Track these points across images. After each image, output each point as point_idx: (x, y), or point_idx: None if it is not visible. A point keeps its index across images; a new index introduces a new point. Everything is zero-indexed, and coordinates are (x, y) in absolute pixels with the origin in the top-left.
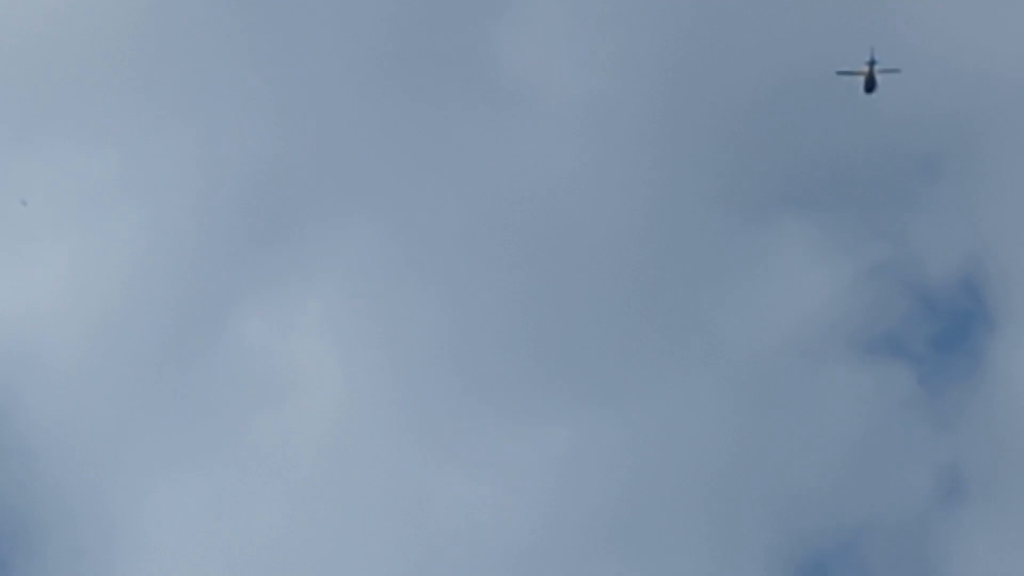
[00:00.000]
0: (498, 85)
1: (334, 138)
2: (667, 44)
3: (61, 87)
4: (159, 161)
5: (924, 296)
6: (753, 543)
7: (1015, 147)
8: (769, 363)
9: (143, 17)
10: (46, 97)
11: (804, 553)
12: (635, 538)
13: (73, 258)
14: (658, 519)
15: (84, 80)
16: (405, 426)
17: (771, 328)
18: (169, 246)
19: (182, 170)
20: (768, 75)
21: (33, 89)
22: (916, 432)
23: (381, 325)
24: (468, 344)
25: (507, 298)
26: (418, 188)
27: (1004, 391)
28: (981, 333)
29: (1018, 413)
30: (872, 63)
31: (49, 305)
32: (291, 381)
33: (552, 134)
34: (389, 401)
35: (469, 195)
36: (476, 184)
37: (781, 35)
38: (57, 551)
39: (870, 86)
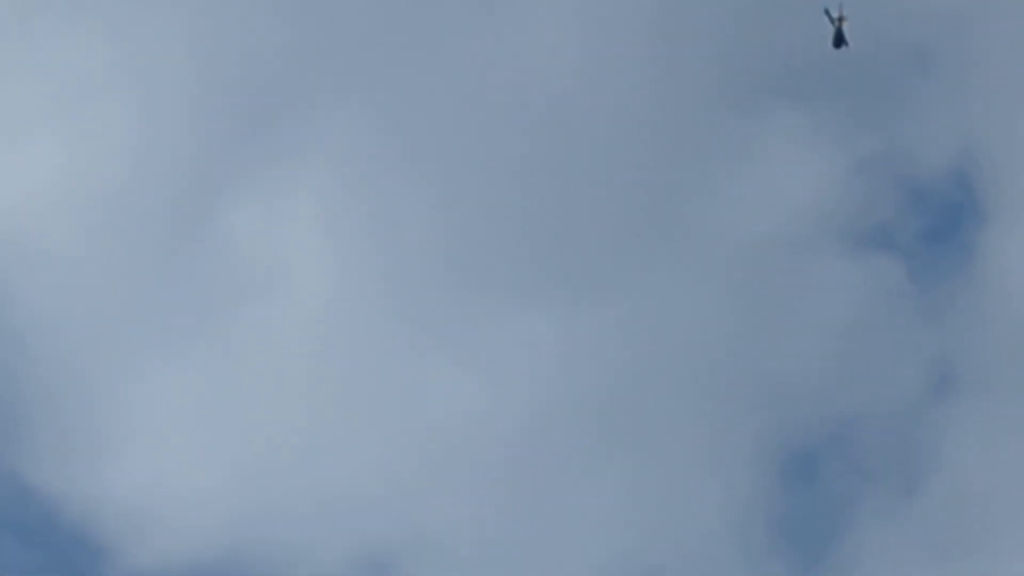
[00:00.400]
0: None
1: (329, 25)
2: None
3: None
4: (152, 47)
5: (915, 189)
6: (743, 433)
7: (1008, 39)
8: (759, 255)
9: None
10: None
11: (794, 444)
12: (625, 428)
13: (64, 145)
14: (648, 409)
15: None
16: (396, 315)
17: (761, 220)
18: (161, 133)
19: (174, 55)
20: None
21: None
22: (906, 324)
23: (373, 215)
24: (460, 234)
25: (499, 189)
26: (413, 77)
27: (994, 283)
28: (972, 226)
29: (1008, 305)
30: (839, 19)
31: (37, 193)
32: (282, 270)
33: (545, 25)
34: (380, 290)
35: (463, 85)
36: (471, 75)
37: None
38: (45, 437)
39: (839, 41)
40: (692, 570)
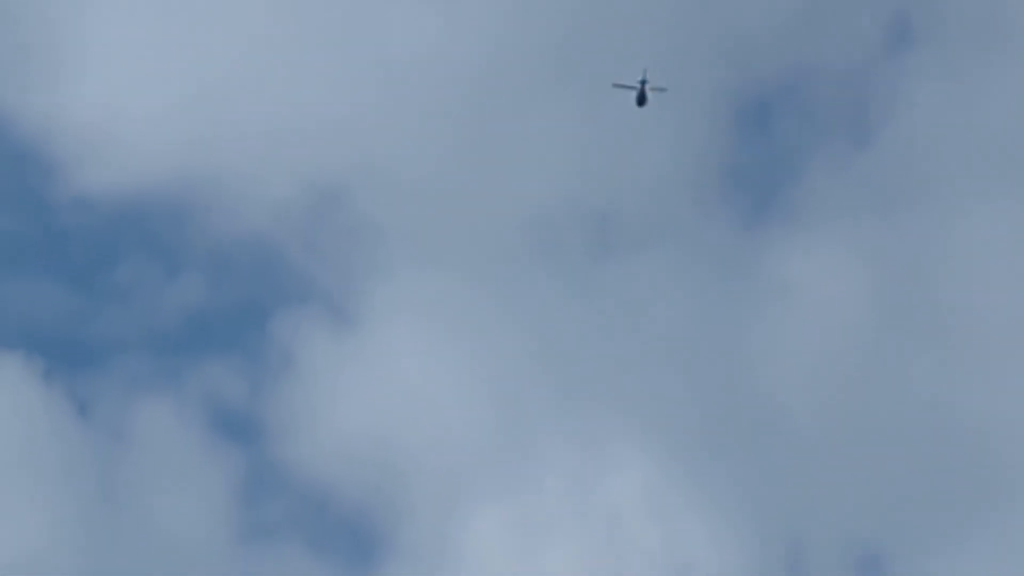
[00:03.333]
0: None
1: None
2: None
3: None
4: None
5: None
6: (698, 81)
7: None
8: None
9: None
10: None
11: (749, 93)
12: (579, 71)
13: None
14: (603, 56)
15: None
16: None
17: None
18: None
19: None
20: None
21: None
22: None
23: None
24: None
25: None
26: None
27: None
28: None
29: None
30: (643, 82)
31: None
32: None
33: None
34: None
35: None
36: None
37: None
38: (1, 52)
39: (641, 100)
40: (644, 213)
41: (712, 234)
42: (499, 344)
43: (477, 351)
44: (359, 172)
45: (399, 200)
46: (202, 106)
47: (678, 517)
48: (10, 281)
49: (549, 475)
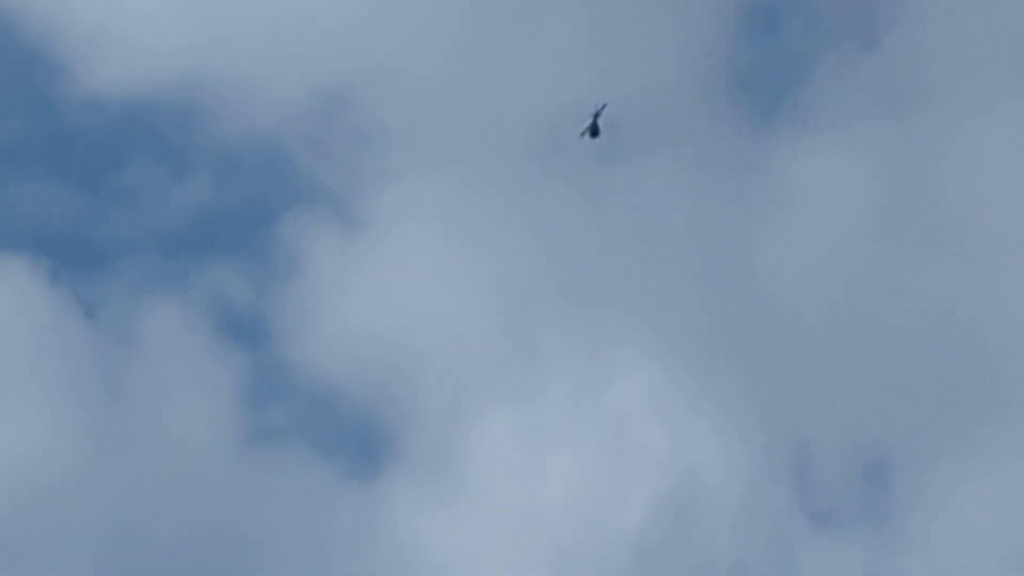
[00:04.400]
0: None
1: None
2: None
3: None
4: None
5: None
6: None
7: None
8: None
9: None
10: None
11: None
12: None
13: None
14: None
15: None
16: None
17: None
18: None
19: None
20: None
21: None
22: None
23: None
24: None
25: None
26: None
27: None
28: None
29: None
30: (596, 114)
31: None
32: None
33: None
34: None
35: None
36: None
37: None
38: None
39: (595, 132)
40: (651, 116)
41: (719, 137)
42: (506, 248)
43: (484, 255)
44: (367, 75)
45: (407, 103)
46: (211, 6)
47: (685, 422)
48: (16, 183)
49: (555, 379)
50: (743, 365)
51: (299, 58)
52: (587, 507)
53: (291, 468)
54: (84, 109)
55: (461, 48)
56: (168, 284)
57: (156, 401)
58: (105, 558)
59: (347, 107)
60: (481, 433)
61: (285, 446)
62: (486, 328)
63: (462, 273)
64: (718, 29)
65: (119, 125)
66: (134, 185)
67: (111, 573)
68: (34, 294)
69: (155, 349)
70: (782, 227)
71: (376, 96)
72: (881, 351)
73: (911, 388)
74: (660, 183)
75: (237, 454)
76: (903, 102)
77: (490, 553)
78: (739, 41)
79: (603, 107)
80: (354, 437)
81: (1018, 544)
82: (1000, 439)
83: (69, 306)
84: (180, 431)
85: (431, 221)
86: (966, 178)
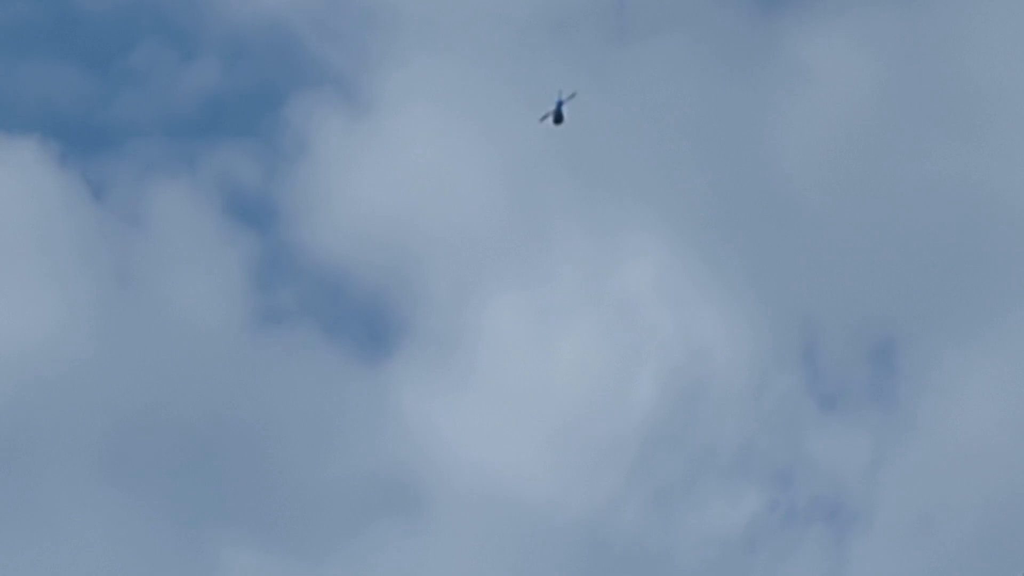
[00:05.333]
0: None
1: None
2: None
3: None
4: None
5: None
6: None
7: None
8: None
9: None
10: None
11: None
12: None
13: None
14: None
15: None
16: None
17: None
18: None
19: None
20: None
21: None
22: None
23: None
24: None
25: None
26: None
27: None
28: None
29: None
30: (560, 102)
31: None
32: None
33: None
34: None
35: None
36: None
37: None
38: None
39: (558, 118)
40: None
41: (728, 19)
42: (514, 130)
43: (492, 137)
44: None
45: None
46: None
47: (692, 303)
48: (25, 65)
49: (564, 261)
50: (752, 247)
51: None
52: (595, 388)
53: (299, 350)
54: None
55: None
56: (176, 166)
57: (164, 282)
58: (113, 439)
59: None
60: (489, 314)
61: (293, 328)
62: (494, 209)
63: (470, 154)
64: None
65: (128, 7)
66: (143, 67)
67: (119, 454)
68: (43, 176)
69: (163, 231)
70: (792, 108)
71: None
72: (890, 232)
73: (920, 270)
74: (669, 64)
75: (245, 336)
76: None
77: (497, 433)
78: None
79: (571, 95)
80: (362, 319)
81: None
82: (1007, 320)
83: (78, 188)
84: (188, 312)
85: (439, 102)
86: (977, 59)
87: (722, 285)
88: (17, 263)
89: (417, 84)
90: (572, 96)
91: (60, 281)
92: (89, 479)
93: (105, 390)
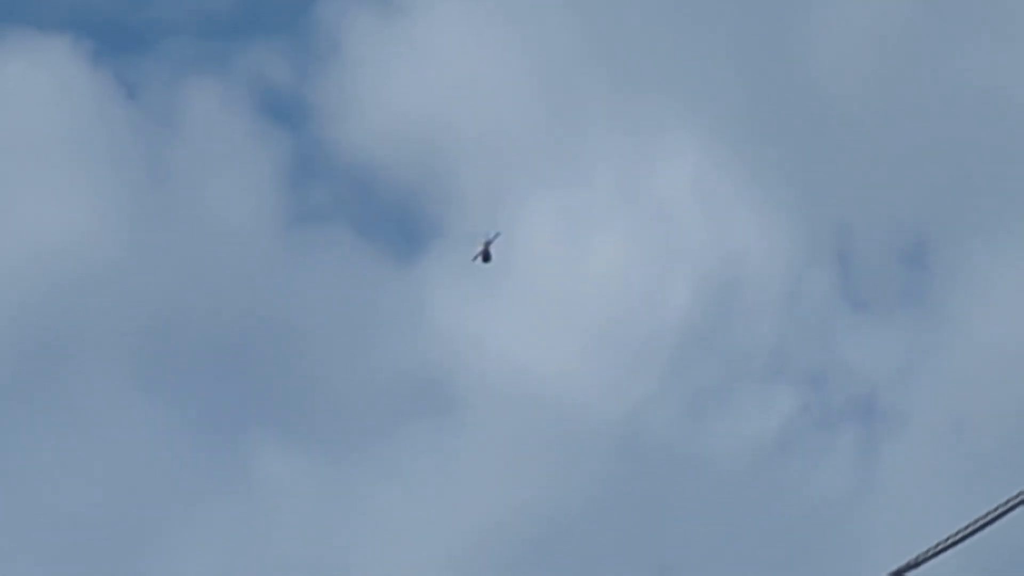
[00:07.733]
0: None
1: None
2: None
3: None
4: None
5: None
6: None
7: None
8: None
9: None
10: None
11: None
12: None
13: None
14: None
15: None
16: None
17: None
18: None
19: None
20: None
21: None
22: None
23: None
24: None
25: None
26: None
27: None
28: None
29: None
30: (488, 242)
31: None
32: None
33: None
34: None
35: None
36: None
37: None
38: None
39: (486, 258)
40: None
41: None
42: (549, 30)
43: (527, 36)
44: None
45: None
46: None
47: (727, 206)
48: None
49: (599, 163)
50: (787, 148)
51: None
52: (629, 291)
53: (332, 249)
54: None
55: None
56: (209, 65)
57: (197, 182)
58: (145, 339)
59: None
60: (523, 215)
61: (326, 227)
62: (529, 110)
63: (505, 54)
64: None
65: None
66: None
67: (151, 354)
68: (75, 75)
69: (196, 130)
70: (826, 8)
71: None
72: (925, 134)
73: (954, 171)
74: None
75: (278, 235)
76: None
77: (530, 335)
78: None
79: (495, 235)
80: (395, 218)
81: None
82: None
83: (110, 87)
84: (221, 212)
85: (474, 1)
86: None
87: (757, 186)
88: (49, 163)
89: None
90: (496, 236)
91: (92, 181)
92: (121, 379)
93: (138, 290)
